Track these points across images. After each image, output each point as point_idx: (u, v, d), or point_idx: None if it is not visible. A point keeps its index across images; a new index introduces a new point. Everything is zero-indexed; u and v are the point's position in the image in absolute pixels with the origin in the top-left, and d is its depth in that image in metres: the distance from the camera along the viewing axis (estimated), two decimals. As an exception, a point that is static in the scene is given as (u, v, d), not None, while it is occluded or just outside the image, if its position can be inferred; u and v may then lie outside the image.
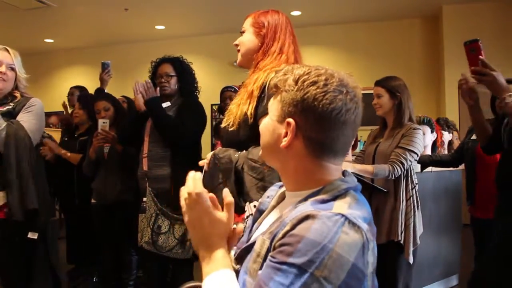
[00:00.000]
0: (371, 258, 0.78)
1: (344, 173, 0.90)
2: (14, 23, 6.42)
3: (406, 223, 2.24)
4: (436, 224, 3.22)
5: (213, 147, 4.74)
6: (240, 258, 0.91)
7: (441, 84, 5.99)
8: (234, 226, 0.94)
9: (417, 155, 2.28)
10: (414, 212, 2.25)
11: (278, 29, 1.65)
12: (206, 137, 3.33)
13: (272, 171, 1.41)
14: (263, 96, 1.52)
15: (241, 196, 1.50)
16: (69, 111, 3.99)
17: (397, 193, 2.27)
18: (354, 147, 3.53)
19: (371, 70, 5.26)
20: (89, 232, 3.17)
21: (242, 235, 0.97)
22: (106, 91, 3.42)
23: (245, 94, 1.60)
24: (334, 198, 0.81)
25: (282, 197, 0.97)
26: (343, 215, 0.76)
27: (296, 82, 0.84)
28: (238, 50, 1.72)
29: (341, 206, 0.79)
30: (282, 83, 0.86)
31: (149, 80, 2.57)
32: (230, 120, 1.61)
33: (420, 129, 2.32)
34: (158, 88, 2.59)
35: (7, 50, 2.06)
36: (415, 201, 2.28)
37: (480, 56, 1.74)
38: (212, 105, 6.34)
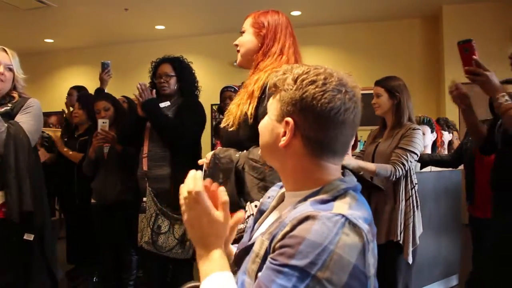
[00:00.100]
0: (372, 259, 0.77)
1: (343, 173, 0.90)
2: (14, 23, 6.42)
3: (405, 223, 2.23)
4: (436, 224, 3.22)
5: (213, 147, 4.74)
6: (239, 259, 0.90)
7: (441, 84, 5.99)
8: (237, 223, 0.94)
9: (417, 156, 2.28)
10: (414, 212, 2.25)
11: (278, 30, 1.64)
12: (206, 137, 3.33)
13: (273, 171, 1.41)
14: (263, 97, 1.52)
15: (242, 196, 1.50)
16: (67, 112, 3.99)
17: (396, 193, 2.26)
18: (354, 147, 3.52)
19: (371, 70, 5.26)
20: (89, 232, 3.17)
21: (242, 232, 0.97)
22: (106, 91, 3.42)
23: (245, 94, 1.59)
24: (334, 198, 0.81)
25: (282, 198, 0.97)
26: (343, 216, 0.75)
27: (295, 81, 0.84)
28: (238, 51, 1.71)
29: (341, 206, 0.79)
30: (281, 82, 0.86)
31: (143, 83, 2.56)
32: (229, 120, 1.61)
33: (419, 129, 2.32)
34: (154, 90, 2.59)
35: (5, 51, 2.06)
36: (415, 201, 2.27)
37: (474, 56, 1.75)
38: (212, 105, 6.33)
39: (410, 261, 2.24)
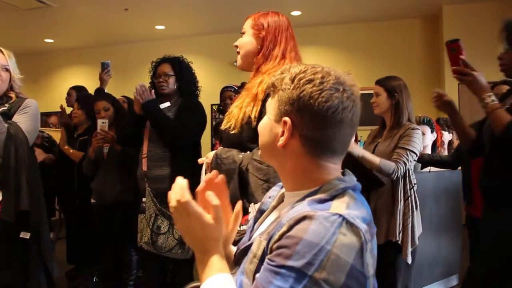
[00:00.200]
0: (370, 259, 0.76)
1: (343, 172, 0.90)
2: (14, 23, 6.42)
3: (404, 223, 2.23)
4: (436, 224, 3.22)
5: (212, 147, 4.74)
6: (239, 258, 0.90)
7: (441, 84, 5.98)
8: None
9: (416, 155, 2.27)
10: (412, 212, 2.24)
11: (277, 32, 1.63)
12: (206, 137, 3.33)
13: (277, 172, 1.40)
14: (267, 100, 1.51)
15: (245, 197, 1.49)
16: (67, 111, 3.99)
17: (394, 193, 2.26)
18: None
19: (371, 70, 5.26)
20: (89, 232, 3.17)
21: (244, 234, 0.96)
22: (106, 91, 3.42)
23: (248, 97, 1.58)
24: (332, 198, 0.80)
25: (282, 198, 0.97)
26: (340, 215, 0.74)
27: (293, 80, 0.83)
28: (238, 52, 1.71)
29: (339, 206, 0.78)
30: (279, 82, 0.86)
31: (143, 84, 2.56)
32: (231, 122, 1.59)
33: (418, 129, 2.32)
34: (153, 90, 2.59)
35: (1, 51, 2.06)
36: (414, 202, 2.27)
37: (461, 56, 1.75)
38: (212, 105, 6.34)
39: (409, 261, 2.23)
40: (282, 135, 0.84)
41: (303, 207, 0.78)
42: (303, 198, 0.82)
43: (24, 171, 1.97)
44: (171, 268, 2.75)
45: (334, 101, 0.80)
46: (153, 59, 2.81)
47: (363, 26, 6.56)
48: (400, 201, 2.24)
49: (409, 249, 2.22)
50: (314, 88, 0.80)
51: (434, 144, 3.47)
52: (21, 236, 1.98)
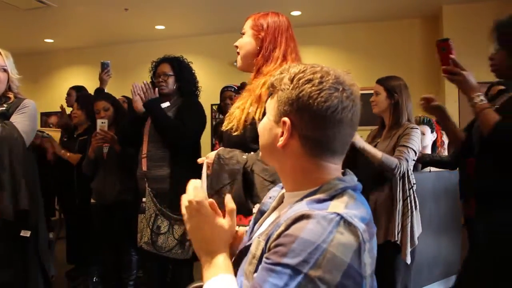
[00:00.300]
0: (368, 259, 0.76)
1: (344, 172, 0.89)
2: (14, 23, 6.42)
3: (403, 223, 2.23)
4: (436, 224, 3.22)
5: (213, 147, 4.74)
6: (239, 259, 0.90)
7: (441, 84, 5.98)
8: (237, 228, 0.94)
9: (415, 154, 2.27)
10: (412, 212, 2.24)
11: (277, 33, 1.62)
12: (206, 137, 3.33)
13: None
14: None
15: (250, 198, 1.48)
16: (67, 111, 3.99)
17: (394, 194, 2.26)
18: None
19: (371, 70, 5.25)
20: (89, 232, 3.17)
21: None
22: (106, 91, 3.42)
23: (251, 98, 1.57)
24: (331, 198, 0.80)
25: (283, 198, 0.96)
26: (338, 214, 0.74)
27: (292, 80, 0.83)
28: (238, 53, 1.70)
29: (337, 205, 0.78)
30: (278, 82, 0.86)
31: (147, 82, 2.57)
32: (233, 123, 1.58)
33: (417, 128, 2.32)
34: (156, 89, 2.59)
35: None
36: (413, 202, 2.27)
37: (451, 55, 1.75)
38: (212, 105, 6.33)
39: (409, 261, 2.23)
40: (282, 135, 0.84)
41: (301, 207, 0.78)
42: (302, 198, 0.82)
43: (21, 170, 1.97)
44: (171, 268, 2.75)
45: (333, 101, 0.80)
46: (153, 59, 2.81)
47: (363, 26, 6.55)
48: (399, 201, 2.24)
49: (408, 249, 2.22)
50: (313, 88, 0.80)
51: (434, 144, 3.47)
52: (21, 234, 1.98)
